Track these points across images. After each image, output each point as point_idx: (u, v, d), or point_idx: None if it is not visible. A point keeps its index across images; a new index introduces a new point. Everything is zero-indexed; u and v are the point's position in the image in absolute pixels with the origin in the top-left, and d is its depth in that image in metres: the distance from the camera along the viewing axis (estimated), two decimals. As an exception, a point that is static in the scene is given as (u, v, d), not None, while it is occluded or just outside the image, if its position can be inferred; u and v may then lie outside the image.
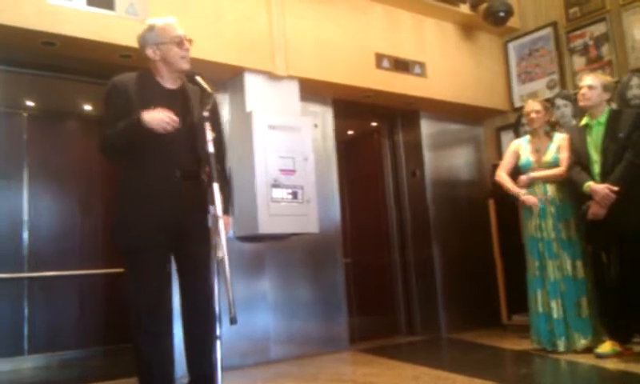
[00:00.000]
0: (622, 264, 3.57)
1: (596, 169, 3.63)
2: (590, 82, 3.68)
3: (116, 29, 3.47)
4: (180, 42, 2.56)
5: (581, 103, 3.75)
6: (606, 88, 3.69)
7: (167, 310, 2.57)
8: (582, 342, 3.75)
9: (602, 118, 3.67)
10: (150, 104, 2.44)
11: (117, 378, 3.88)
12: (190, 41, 2.61)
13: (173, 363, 2.58)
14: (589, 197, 3.59)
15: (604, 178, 3.57)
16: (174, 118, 2.36)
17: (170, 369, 2.56)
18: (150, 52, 2.57)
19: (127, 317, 2.53)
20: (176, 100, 2.49)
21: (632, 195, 3.48)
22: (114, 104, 2.50)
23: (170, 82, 2.59)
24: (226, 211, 2.66)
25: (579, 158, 3.71)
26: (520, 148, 4.15)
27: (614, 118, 3.64)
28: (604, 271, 3.65)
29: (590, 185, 3.56)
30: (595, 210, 3.56)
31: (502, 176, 4.15)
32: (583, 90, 3.70)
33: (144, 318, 2.47)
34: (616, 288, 3.58)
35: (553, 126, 4.14)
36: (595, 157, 3.65)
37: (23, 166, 5.25)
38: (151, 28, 2.60)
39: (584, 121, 3.77)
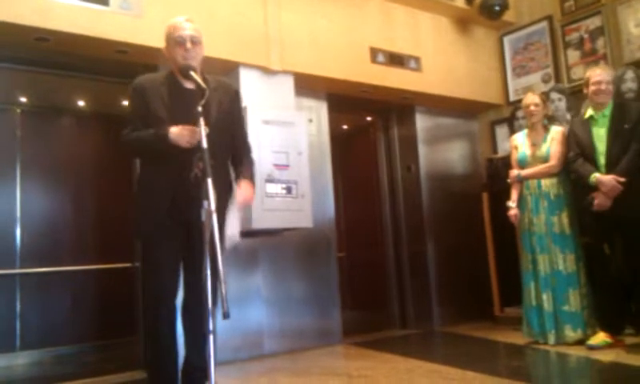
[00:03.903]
0: (624, 254, 3.60)
1: (601, 160, 3.64)
2: (608, 78, 3.69)
3: (110, 24, 3.47)
4: (179, 42, 2.56)
5: (599, 99, 3.67)
6: (613, 81, 3.76)
7: (175, 301, 2.62)
8: (572, 335, 3.78)
9: (607, 111, 3.69)
10: (168, 103, 2.55)
11: (109, 373, 3.90)
12: (194, 42, 2.58)
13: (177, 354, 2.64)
14: (593, 188, 3.60)
15: (609, 169, 3.58)
16: (196, 130, 2.35)
17: (174, 359, 2.61)
18: (165, 53, 2.67)
19: (143, 306, 2.65)
20: (195, 100, 2.48)
21: (635, 185, 3.49)
22: (134, 105, 2.63)
23: (189, 82, 2.58)
24: (251, 178, 2.72)
25: (583, 150, 3.72)
26: (517, 142, 4.17)
27: (619, 111, 3.67)
28: (605, 263, 3.67)
29: (597, 176, 3.58)
30: (601, 202, 3.56)
31: (512, 177, 4.12)
32: (602, 86, 3.66)
33: (159, 307, 2.56)
34: (617, 279, 3.60)
35: (550, 120, 4.15)
36: (601, 148, 3.66)
37: (16, 162, 5.23)
38: (166, 29, 2.66)
39: (588, 113, 3.77)
